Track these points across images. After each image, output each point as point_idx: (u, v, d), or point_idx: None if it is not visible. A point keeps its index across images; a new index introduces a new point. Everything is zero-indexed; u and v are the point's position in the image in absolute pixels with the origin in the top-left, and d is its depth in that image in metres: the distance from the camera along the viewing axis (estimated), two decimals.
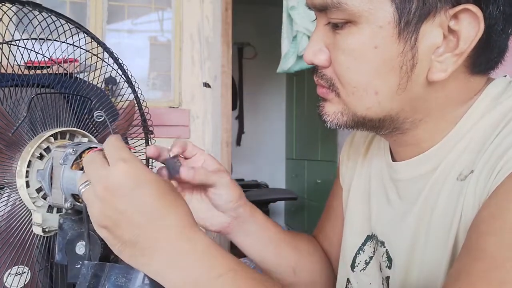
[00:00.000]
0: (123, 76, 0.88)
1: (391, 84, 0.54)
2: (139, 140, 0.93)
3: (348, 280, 0.72)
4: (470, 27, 0.50)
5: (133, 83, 0.91)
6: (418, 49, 0.52)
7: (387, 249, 0.64)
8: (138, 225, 0.48)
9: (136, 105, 0.90)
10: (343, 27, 0.54)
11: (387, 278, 0.64)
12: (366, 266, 0.69)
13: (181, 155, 0.67)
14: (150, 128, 0.94)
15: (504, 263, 0.42)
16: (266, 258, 0.73)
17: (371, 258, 0.68)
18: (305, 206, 3.90)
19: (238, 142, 4.54)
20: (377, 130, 0.60)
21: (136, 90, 0.92)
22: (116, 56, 0.87)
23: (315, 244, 0.82)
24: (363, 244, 0.70)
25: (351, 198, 0.73)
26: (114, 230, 0.48)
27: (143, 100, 0.91)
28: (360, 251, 0.70)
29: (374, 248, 0.68)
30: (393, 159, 0.65)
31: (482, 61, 0.54)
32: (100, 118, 0.62)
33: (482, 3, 0.50)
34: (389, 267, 0.64)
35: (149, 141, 0.95)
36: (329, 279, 0.80)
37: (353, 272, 0.71)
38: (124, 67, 0.88)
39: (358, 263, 0.70)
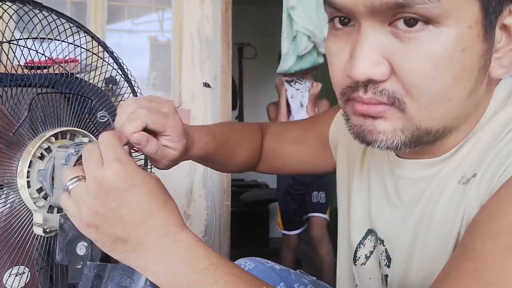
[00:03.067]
0: (122, 76, 0.88)
1: (466, 89, 0.49)
2: None
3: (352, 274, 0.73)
4: None
5: (133, 83, 0.91)
6: (495, 47, 0.50)
7: (386, 248, 0.64)
8: (130, 223, 0.50)
9: None
10: (420, 30, 0.46)
11: (386, 276, 0.64)
12: (366, 261, 0.69)
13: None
14: None
15: (495, 265, 0.42)
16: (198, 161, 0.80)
17: (371, 253, 0.68)
18: None
19: None
20: (429, 144, 0.54)
21: (136, 90, 0.92)
22: (116, 56, 0.87)
23: (251, 150, 0.87)
24: (364, 238, 0.69)
25: (353, 193, 0.73)
26: (105, 228, 0.50)
27: None
28: (361, 245, 0.69)
29: (374, 243, 0.68)
30: (397, 155, 0.64)
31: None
32: (103, 119, 0.62)
33: None
34: (388, 266, 0.63)
35: None
36: (251, 168, 0.91)
37: (355, 265, 0.71)
38: (124, 67, 0.88)
39: (359, 257, 0.70)
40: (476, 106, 0.54)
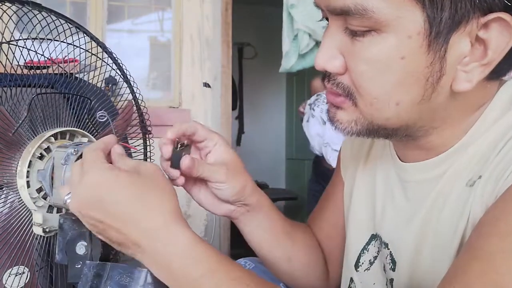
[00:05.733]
0: (121, 76, 0.88)
1: (414, 96, 0.51)
2: (137, 140, 0.93)
3: (351, 280, 0.72)
4: (501, 36, 0.47)
5: (132, 83, 0.91)
6: (447, 60, 0.49)
7: (391, 251, 0.64)
8: (120, 230, 0.51)
9: (134, 105, 0.90)
10: (364, 35, 0.49)
11: (391, 280, 0.64)
12: (370, 266, 0.68)
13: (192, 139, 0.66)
14: (149, 128, 0.94)
15: (502, 266, 0.42)
16: (262, 245, 0.74)
17: (375, 258, 0.68)
18: (305, 206, 3.90)
19: (238, 142, 4.54)
20: (389, 137, 0.58)
21: (135, 90, 0.92)
22: (115, 56, 0.87)
23: (311, 234, 0.81)
24: (368, 243, 0.69)
25: (354, 196, 0.72)
26: (106, 235, 0.52)
27: (142, 100, 0.91)
28: (365, 251, 0.69)
29: (378, 248, 0.67)
30: (400, 159, 0.64)
31: (502, 67, 0.51)
32: (103, 119, 0.62)
33: None
34: (393, 270, 0.63)
35: (147, 141, 0.95)
36: (324, 272, 0.81)
37: (356, 271, 0.70)
38: (123, 67, 0.88)
39: (362, 263, 0.69)
40: (449, 110, 0.54)
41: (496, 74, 0.53)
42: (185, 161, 0.60)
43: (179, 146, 0.63)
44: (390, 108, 0.52)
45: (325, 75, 0.56)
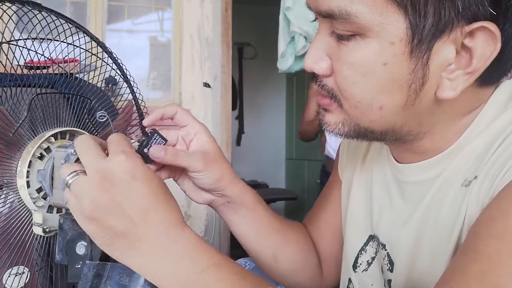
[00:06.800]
0: (121, 76, 0.88)
1: (397, 101, 0.51)
2: (137, 140, 0.93)
3: (349, 280, 0.72)
4: (486, 45, 0.47)
5: (132, 83, 0.91)
6: (430, 67, 0.49)
7: (388, 252, 0.64)
8: (131, 218, 0.49)
9: (134, 105, 0.90)
10: (349, 39, 0.50)
11: (389, 281, 0.64)
12: (368, 267, 0.68)
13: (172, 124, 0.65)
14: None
15: (500, 266, 0.42)
16: (248, 239, 0.73)
17: (373, 259, 0.68)
18: (305, 206, 3.90)
19: (238, 142, 4.54)
20: (379, 140, 0.58)
21: (135, 90, 0.91)
22: (115, 56, 0.87)
23: (305, 234, 0.81)
24: (365, 244, 0.69)
25: (352, 197, 0.73)
26: (106, 221, 0.49)
27: (142, 100, 0.91)
28: (362, 251, 0.69)
29: (376, 249, 0.67)
30: (396, 160, 0.65)
31: (493, 75, 0.52)
32: (103, 119, 0.62)
33: (500, 20, 0.47)
34: (391, 270, 0.63)
35: None
36: (316, 273, 0.80)
37: (355, 272, 0.70)
38: (123, 67, 0.88)
39: (360, 264, 0.69)
40: (437, 115, 0.54)
41: (487, 82, 0.53)
42: (152, 152, 0.59)
43: (143, 138, 0.61)
44: (374, 112, 0.52)
45: (314, 76, 0.57)
